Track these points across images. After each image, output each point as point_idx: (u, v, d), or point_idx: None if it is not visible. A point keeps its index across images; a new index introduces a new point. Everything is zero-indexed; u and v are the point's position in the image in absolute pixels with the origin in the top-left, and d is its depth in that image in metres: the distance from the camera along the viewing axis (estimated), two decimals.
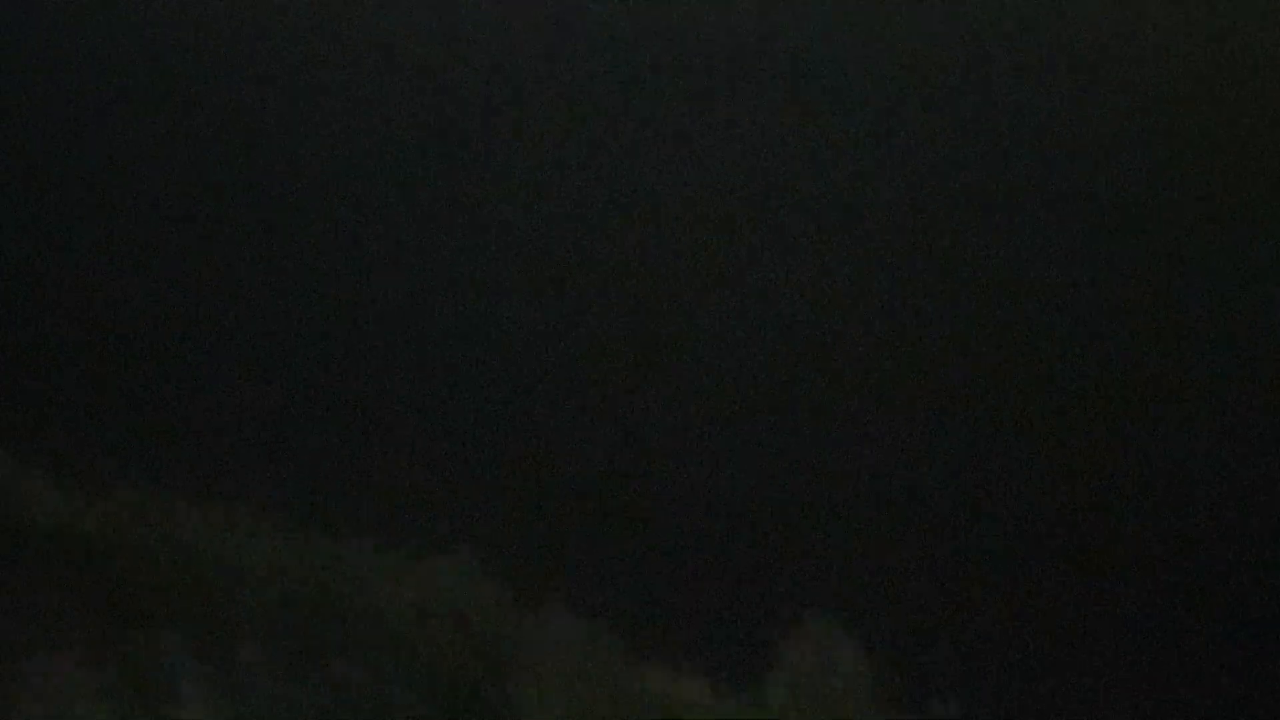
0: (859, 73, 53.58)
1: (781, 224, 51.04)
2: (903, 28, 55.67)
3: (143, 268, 52.67)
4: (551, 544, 37.75)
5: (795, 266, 53.75)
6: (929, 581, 37.95)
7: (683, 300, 52.12)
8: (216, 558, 30.91)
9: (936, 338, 49.06)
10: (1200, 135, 50.82)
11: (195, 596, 30.13)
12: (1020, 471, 41.61)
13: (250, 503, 32.68)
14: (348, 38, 57.39)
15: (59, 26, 56.70)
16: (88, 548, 31.69)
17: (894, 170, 50.08)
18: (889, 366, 48.28)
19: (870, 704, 28.48)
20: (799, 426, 45.02)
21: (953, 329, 49.94)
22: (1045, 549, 38.39)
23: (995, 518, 40.32)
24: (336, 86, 57.84)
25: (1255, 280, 42.31)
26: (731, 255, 55.01)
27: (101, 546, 31.29)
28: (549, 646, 29.15)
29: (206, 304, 49.25)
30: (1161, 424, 43.49)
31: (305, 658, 28.56)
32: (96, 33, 55.87)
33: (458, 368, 47.42)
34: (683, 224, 50.73)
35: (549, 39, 55.72)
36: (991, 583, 37.86)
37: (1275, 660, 30.95)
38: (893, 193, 50.55)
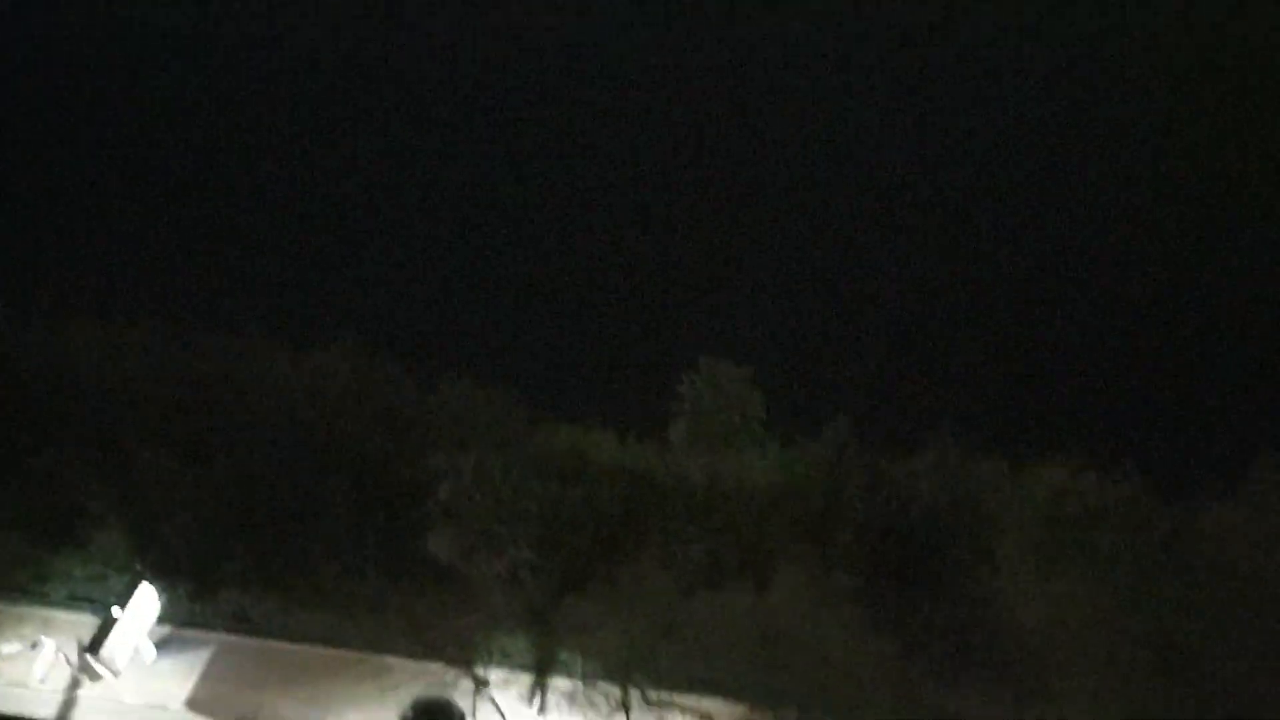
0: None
1: None
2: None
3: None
4: (441, 318, 37.56)
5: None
6: (815, 318, 38.94)
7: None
8: (105, 373, 30.28)
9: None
10: None
11: (90, 413, 29.65)
12: (895, 220, 42.04)
13: (131, 315, 31.89)
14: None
15: None
16: None
17: None
18: (775, 129, 47.16)
19: (764, 433, 29.68)
20: (685, 180, 44.59)
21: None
22: (915, 289, 39.39)
23: (870, 257, 41.03)
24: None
25: None
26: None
27: None
28: (453, 416, 29.45)
29: (80, 134, 46.13)
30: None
31: (207, 453, 28.41)
32: None
33: (337, 158, 45.47)
34: None
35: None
36: (868, 314, 38.97)
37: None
38: None
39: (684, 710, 25.90)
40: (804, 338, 36.35)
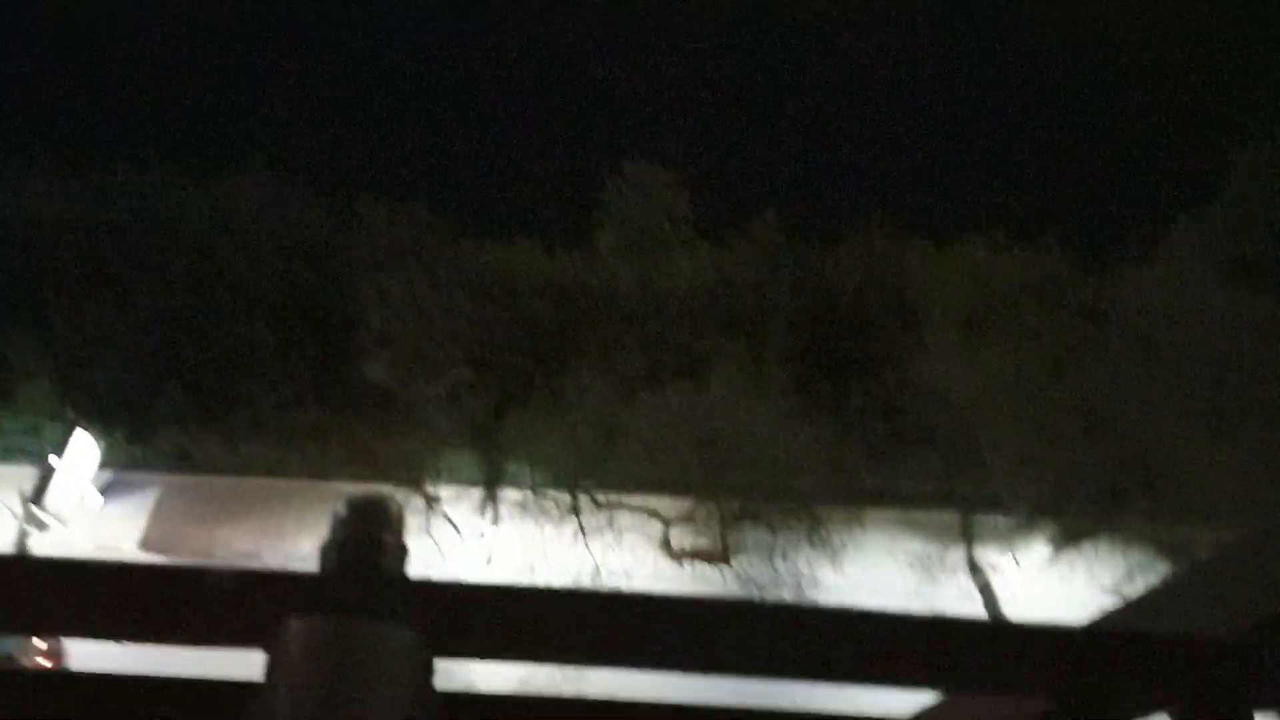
0: None
1: None
2: None
3: None
4: (351, 136, 36.24)
5: None
6: (734, 114, 38.27)
7: None
8: (5, 220, 28.97)
9: None
10: None
11: None
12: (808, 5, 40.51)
13: (26, 158, 30.30)
14: None
15: None
16: None
17: None
18: None
19: (693, 233, 29.57)
20: None
21: None
22: (831, 74, 38.42)
23: (785, 46, 39.76)
24: None
25: None
26: None
27: None
28: (374, 239, 28.86)
29: None
30: None
31: (124, 295, 27.65)
32: None
33: None
34: None
35: None
36: (787, 106, 38.24)
37: None
38: None
39: (632, 510, 26.75)
40: (725, 135, 35.88)
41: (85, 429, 29.01)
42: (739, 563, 25.80)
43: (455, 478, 27.85)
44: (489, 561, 26.63)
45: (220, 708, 1.57)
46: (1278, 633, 2.22)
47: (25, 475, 28.83)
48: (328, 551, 1.60)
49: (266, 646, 1.52)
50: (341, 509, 1.62)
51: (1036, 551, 25.76)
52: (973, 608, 25.43)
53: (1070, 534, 24.70)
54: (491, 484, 27.52)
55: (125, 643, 1.60)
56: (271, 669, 1.51)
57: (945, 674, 1.88)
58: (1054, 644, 1.86)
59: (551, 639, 1.65)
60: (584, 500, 26.38)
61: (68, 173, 29.80)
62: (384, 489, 27.45)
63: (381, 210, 30.38)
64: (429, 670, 1.57)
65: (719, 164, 35.25)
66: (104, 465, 29.34)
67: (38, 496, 28.10)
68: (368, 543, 1.59)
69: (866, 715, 1.76)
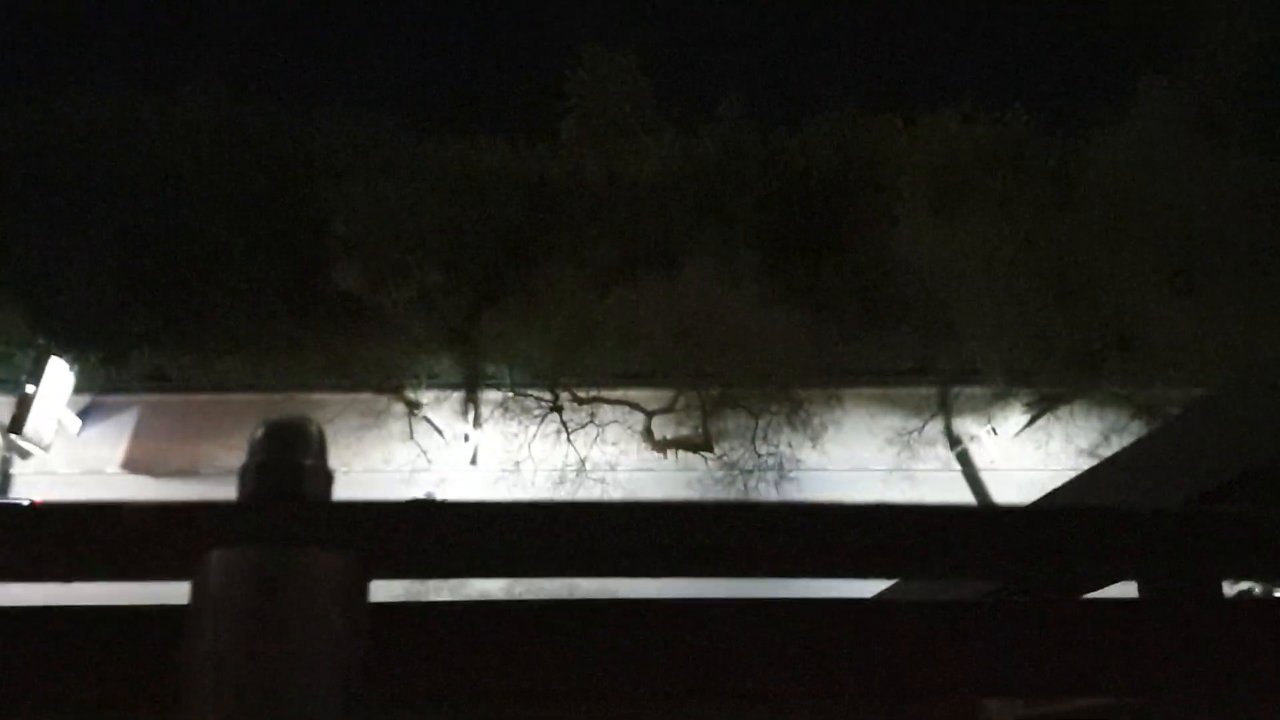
0: None
1: None
2: None
3: None
4: (301, 40, 35.27)
5: None
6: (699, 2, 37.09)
7: None
8: None
9: None
10: None
11: None
12: None
13: None
14: None
15: None
16: None
17: None
18: None
19: (655, 117, 29.03)
20: None
21: None
22: None
23: None
24: None
25: None
26: None
27: None
28: (332, 144, 28.26)
29: None
30: None
31: (87, 218, 27.11)
32: None
33: None
34: None
35: None
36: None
37: None
38: None
39: (613, 403, 26.82)
40: (686, 15, 35.06)
41: (59, 355, 28.80)
42: (721, 449, 25.99)
43: (435, 382, 27.79)
44: (473, 462, 26.78)
45: (136, 637, 1.52)
46: (1240, 498, 2.21)
47: (2, 404, 28.71)
48: (245, 479, 1.54)
49: (189, 578, 1.48)
50: (258, 434, 1.56)
51: (1014, 419, 26.07)
52: (952, 478, 25.86)
53: (1046, 400, 24.96)
54: (471, 386, 27.49)
55: (41, 582, 1.55)
56: (195, 600, 1.47)
57: (902, 562, 1.86)
58: (1006, 525, 1.84)
59: (482, 552, 1.61)
60: (564, 397, 26.38)
61: (20, 91, 28.96)
62: (365, 397, 27.49)
63: (336, 114, 29.69)
64: (362, 591, 1.52)
65: (681, 46, 34.56)
66: (81, 389, 29.18)
67: (16, 424, 28.01)
68: (287, 468, 1.54)
69: (827, 597, 1.74)
